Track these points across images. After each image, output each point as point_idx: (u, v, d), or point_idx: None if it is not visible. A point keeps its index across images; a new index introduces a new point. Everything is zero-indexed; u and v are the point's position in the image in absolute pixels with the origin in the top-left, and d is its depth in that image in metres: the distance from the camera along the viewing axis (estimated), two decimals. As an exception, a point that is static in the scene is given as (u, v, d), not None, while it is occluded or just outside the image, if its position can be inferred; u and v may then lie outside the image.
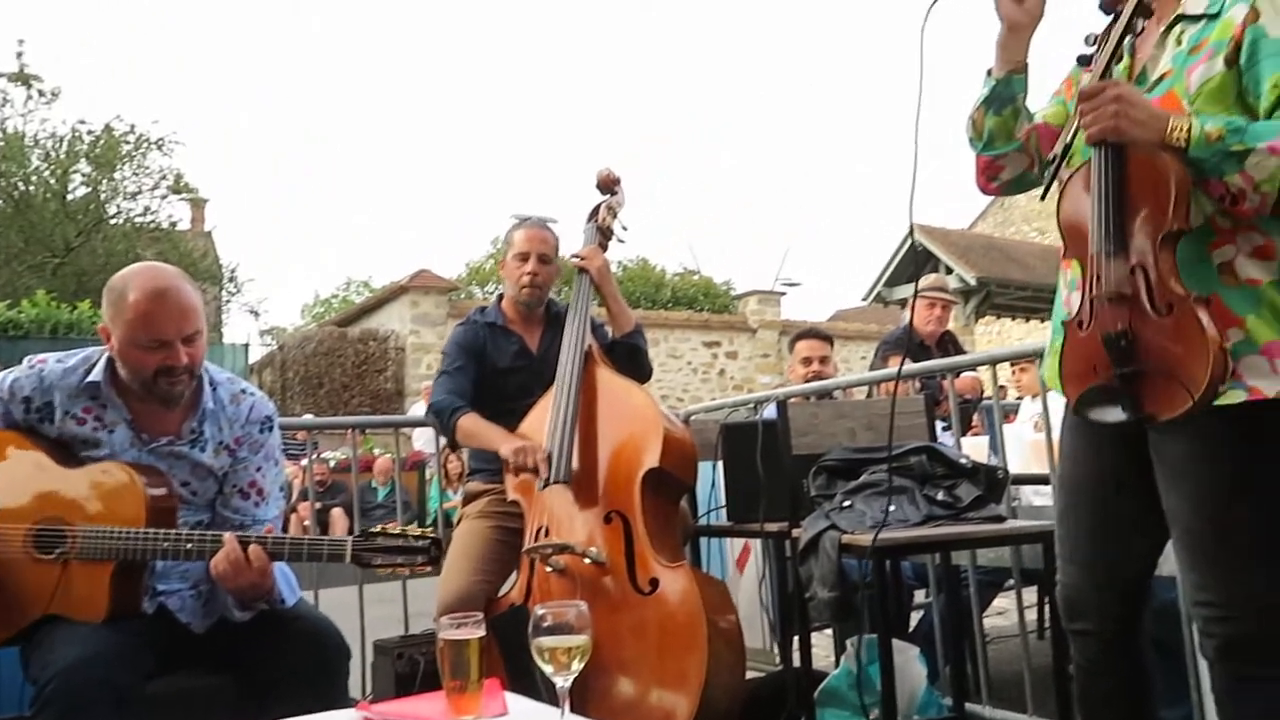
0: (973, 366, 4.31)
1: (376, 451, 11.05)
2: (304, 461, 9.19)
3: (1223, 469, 1.49)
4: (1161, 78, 1.56)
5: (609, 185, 3.10)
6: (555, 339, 2.90)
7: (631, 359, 2.98)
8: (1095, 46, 1.58)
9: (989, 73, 1.74)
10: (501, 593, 2.71)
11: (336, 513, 9.58)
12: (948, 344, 5.28)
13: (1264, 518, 1.50)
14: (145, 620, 2.01)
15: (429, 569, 2.03)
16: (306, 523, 7.64)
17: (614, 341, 2.99)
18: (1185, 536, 1.57)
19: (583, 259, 2.96)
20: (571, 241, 3.12)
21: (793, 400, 3.47)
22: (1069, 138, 1.57)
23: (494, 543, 2.75)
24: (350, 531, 2.04)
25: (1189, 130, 1.43)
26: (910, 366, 4.05)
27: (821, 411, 2.80)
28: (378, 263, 43.31)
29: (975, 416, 5.25)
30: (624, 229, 3.09)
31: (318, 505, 9.76)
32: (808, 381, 4.18)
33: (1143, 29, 1.65)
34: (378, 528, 1.99)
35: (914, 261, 17.07)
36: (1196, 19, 1.54)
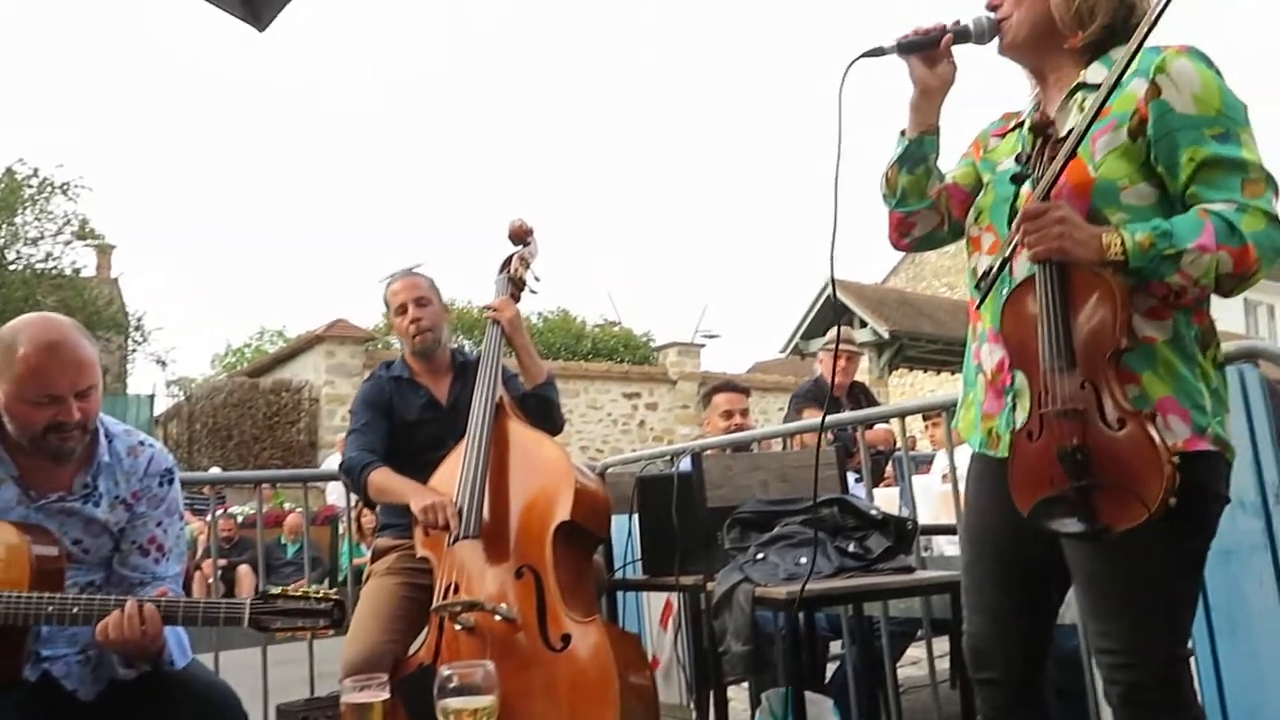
0: (885, 419, 4.39)
1: (287, 506, 10.73)
2: (209, 517, 8.94)
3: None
4: (1069, 135, 1.60)
5: (521, 236, 3.10)
6: (465, 388, 2.88)
7: (543, 411, 2.97)
8: (1028, 164, 1.62)
9: (902, 133, 1.81)
10: (410, 652, 2.64)
11: (243, 570, 9.25)
12: (859, 395, 5.38)
13: (1165, 565, 1.54)
14: (27, 690, 1.90)
15: (331, 631, 1.97)
16: (210, 581, 7.37)
17: (526, 393, 2.98)
18: (1088, 586, 1.60)
19: (494, 310, 2.95)
20: (482, 292, 3.12)
21: (709, 452, 3.49)
22: (1007, 252, 1.61)
23: (402, 600, 2.69)
24: (257, 589, 1.97)
25: (1123, 244, 1.48)
26: (819, 420, 4.11)
27: (736, 464, 2.82)
28: (293, 312, 42.57)
29: (888, 468, 5.35)
30: (537, 280, 3.10)
31: (223, 562, 9.45)
32: (728, 433, 4.21)
33: (1040, 105, 1.73)
34: (278, 589, 1.93)
35: (831, 314, 17.44)
36: (1095, 88, 1.60)
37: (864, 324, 17.27)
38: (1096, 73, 1.62)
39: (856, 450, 3.47)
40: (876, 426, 4.92)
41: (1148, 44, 1.58)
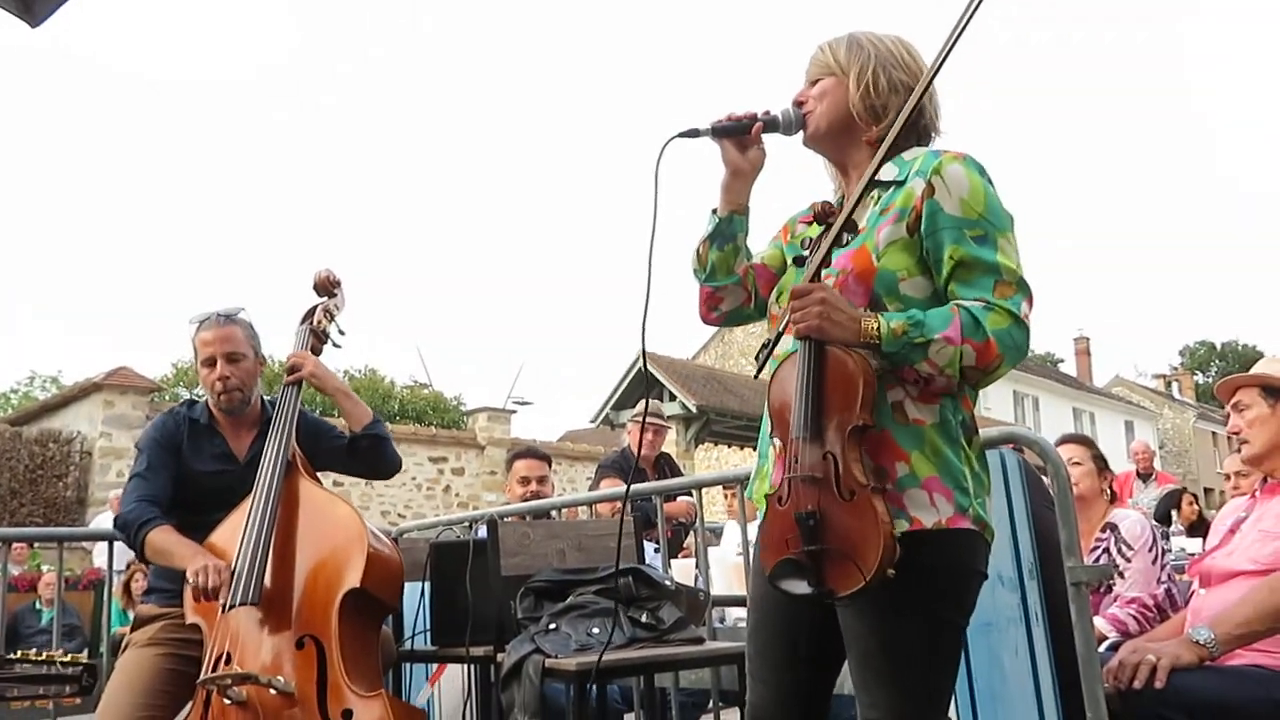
0: (685, 490, 4.47)
1: (45, 569, 9.75)
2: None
3: (889, 592, 1.58)
4: (858, 232, 1.73)
5: (327, 287, 2.99)
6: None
7: (377, 450, 2.86)
8: (809, 250, 1.75)
9: (714, 210, 1.90)
10: (171, 729, 2.43)
11: (-14, 639, 8.29)
12: (664, 466, 5.48)
13: (927, 637, 1.63)
14: None
15: (78, 700, 1.79)
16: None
17: (355, 435, 2.85)
18: (857, 657, 1.67)
19: (292, 367, 2.81)
20: (283, 344, 2.97)
21: (508, 519, 3.44)
22: (780, 327, 1.72)
23: (163, 672, 2.48)
24: (-2, 661, 1.76)
25: (879, 329, 1.58)
26: (622, 488, 4.14)
27: (533, 531, 2.79)
28: (71, 359, 39.19)
29: (688, 539, 5.44)
30: (341, 334, 2.98)
31: (-37, 631, 8.45)
32: (525, 500, 4.17)
33: (843, 197, 1.86)
34: (17, 653, 1.74)
35: (642, 386, 17.71)
36: (886, 185, 1.73)
37: (673, 397, 17.68)
38: (888, 170, 1.74)
39: (656, 520, 3.51)
40: (679, 498, 5.01)
41: (932, 146, 1.77)
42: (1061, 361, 44.85)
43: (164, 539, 2.57)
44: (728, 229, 1.88)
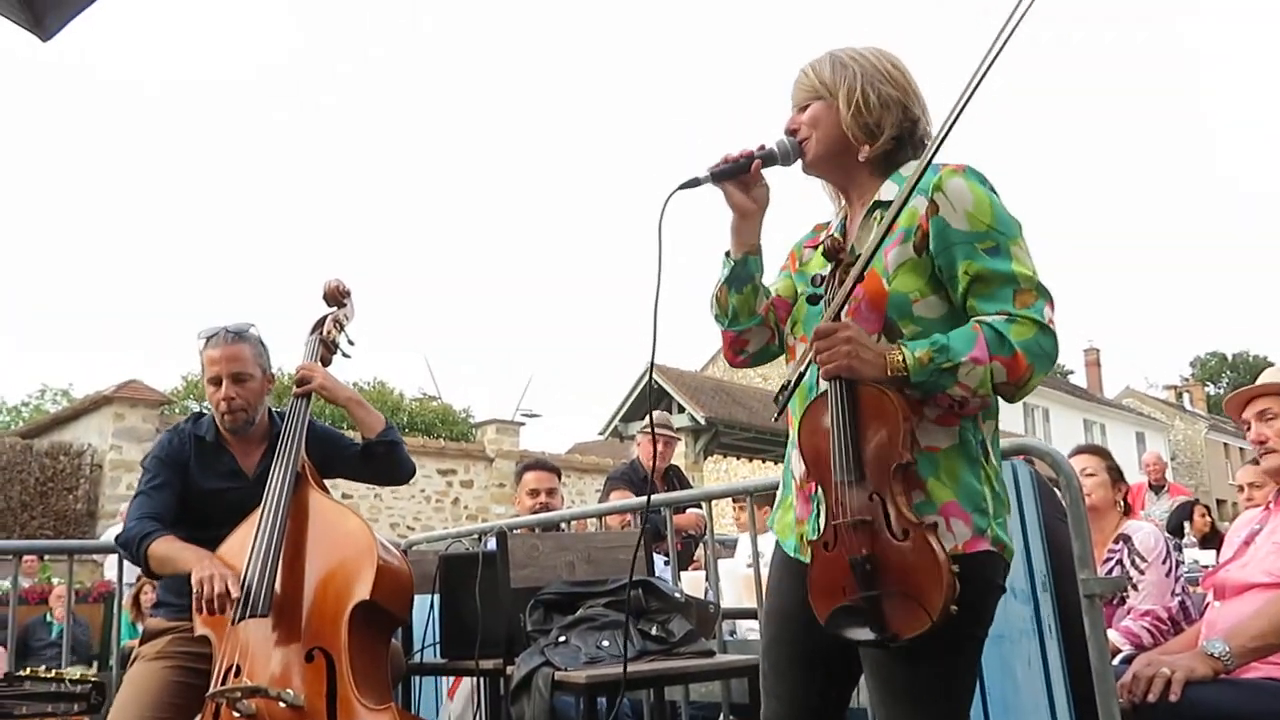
0: (694, 502, 4.46)
1: (55, 581, 9.77)
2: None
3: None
4: (858, 256, 1.69)
5: (337, 297, 2.99)
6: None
7: (391, 457, 2.86)
8: (823, 286, 1.72)
9: (727, 254, 1.85)
10: (180, 742, 2.42)
11: (-4, 652, 8.31)
12: (673, 478, 5.46)
13: (951, 655, 1.62)
14: None
15: (86, 718, 1.78)
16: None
17: (369, 443, 2.85)
18: (879, 680, 1.66)
19: (302, 379, 2.81)
20: (293, 354, 2.96)
21: (517, 531, 3.43)
22: (802, 368, 1.69)
23: (171, 685, 2.47)
24: (6, 674, 1.75)
25: (904, 360, 1.56)
26: (633, 500, 4.14)
27: (543, 544, 2.78)
28: (82, 372, 39.36)
29: (697, 551, 5.42)
30: (351, 344, 2.99)
31: (-27, 644, 8.47)
32: (535, 512, 4.16)
33: (846, 220, 1.84)
34: (27, 670, 1.74)
35: (650, 399, 17.72)
36: (888, 205, 1.69)
37: (682, 409, 17.66)
38: (889, 190, 1.72)
39: (667, 533, 3.50)
40: (688, 510, 5.00)
41: (935, 165, 1.71)
42: (1072, 373, 44.69)
43: (166, 548, 2.56)
44: (744, 271, 1.84)
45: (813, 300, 1.73)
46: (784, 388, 1.74)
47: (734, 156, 1.79)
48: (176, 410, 14.82)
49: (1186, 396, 44.05)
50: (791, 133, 1.79)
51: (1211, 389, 49.70)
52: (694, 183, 1.76)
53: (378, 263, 55.69)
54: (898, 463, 1.56)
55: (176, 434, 2.82)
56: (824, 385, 1.65)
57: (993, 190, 1.67)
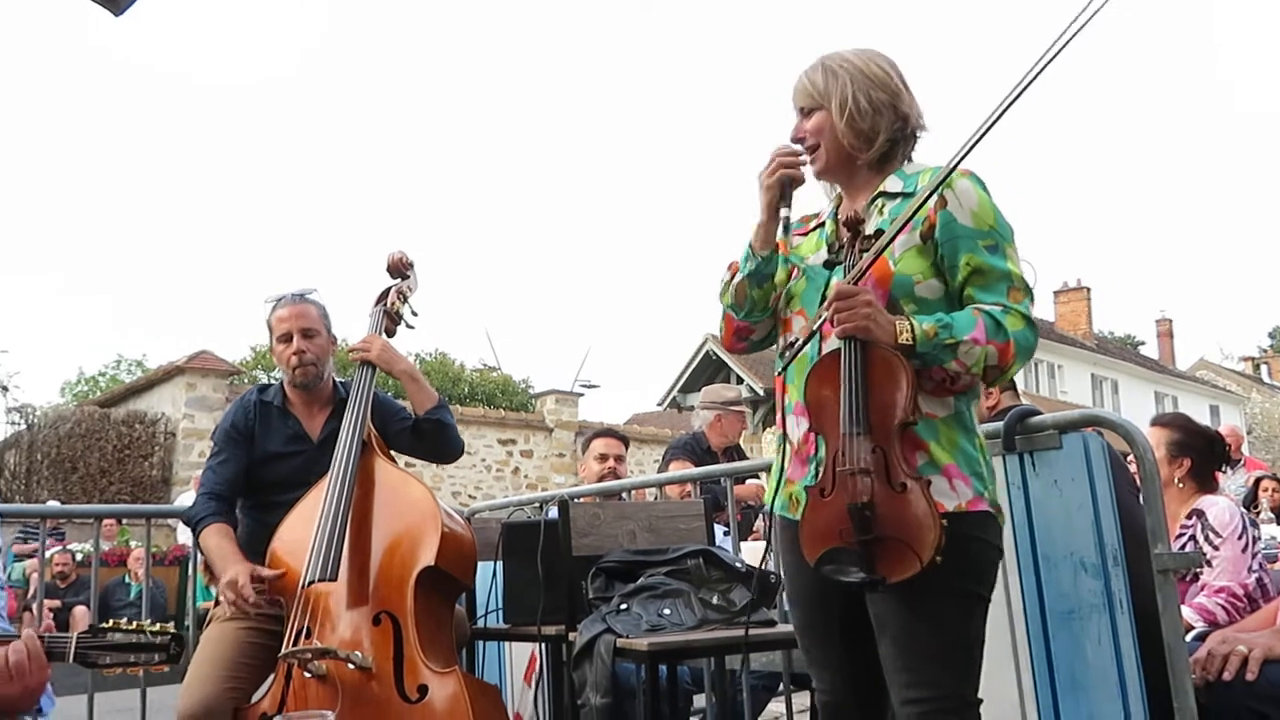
0: (754, 472, 4.45)
1: (133, 544, 10.12)
2: (50, 552, 8.29)
3: (925, 574, 1.65)
4: (879, 233, 1.80)
5: (400, 269, 3.03)
6: (340, 424, 2.74)
7: (440, 435, 2.90)
8: (840, 253, 1.82)
9: (751, 248, 1.93)
10: (254, 700, 2.50)
11: (79, 611, 8.66)
12: (731, 451, 5.44)
13: (964, 613, 1.74)
14: None
15: (166, 668, 1.84)
16: (42, 624, 6.86)
17: (419, 419, 2.90)
18: (894, 638, 1.73)
19: (360, 351, 2.85)
20: (358, 325, 3.01)
21: (579, 500, 3.46)
22: (815, 326, 1.80)
23: (246, 645, 2.55)
24: (91, 628, 1.83)
25: (912, 331, 1.70)
26: (693, 470, 4.14)
27: (604, 512, 2.80)
28: (155, 342, 40.45)
29: (758, 522, 5.41)
30: (414, 315, 3.02)
31: (59, 603, 8.82)
32: (603, 478, 4.19)
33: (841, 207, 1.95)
34: (109, 622, 1.80)
35: (709, 369, 17.69)
36: (894, 196, 1.85)
37: (740, 380, 17.60)
38: (894, 183, 1.87)
39: (727, 504, 3.50)
40: (748, 481, 4.98)
41: (937, 166, 1.83)
42: (1143, 344, 43.53)
43: (211, 542, 2.67)
44: (767, 268, 1.92)
45: (828, 265, 1.84)
46: (789, 345, 1.87)
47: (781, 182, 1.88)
48: (245, 380, 15.18)
49: (1265, 368, 42.66)
50: (799, 140, 1.91)
51: (1291, 361, 48.02)
52: (788, 225, 1.89)
53: (440, 236, 56.26)
54: (902, 420, 1.70)
55: (241, 404, 2.91)
56: (829, 347, 1.77)
57: (991, 196, 1.81)
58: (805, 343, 1.82)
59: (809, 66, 1.92)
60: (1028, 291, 1.78)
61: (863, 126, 1.85)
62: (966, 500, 1.73)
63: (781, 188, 1.88)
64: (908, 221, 1.75)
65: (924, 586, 1.65)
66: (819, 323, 1.78)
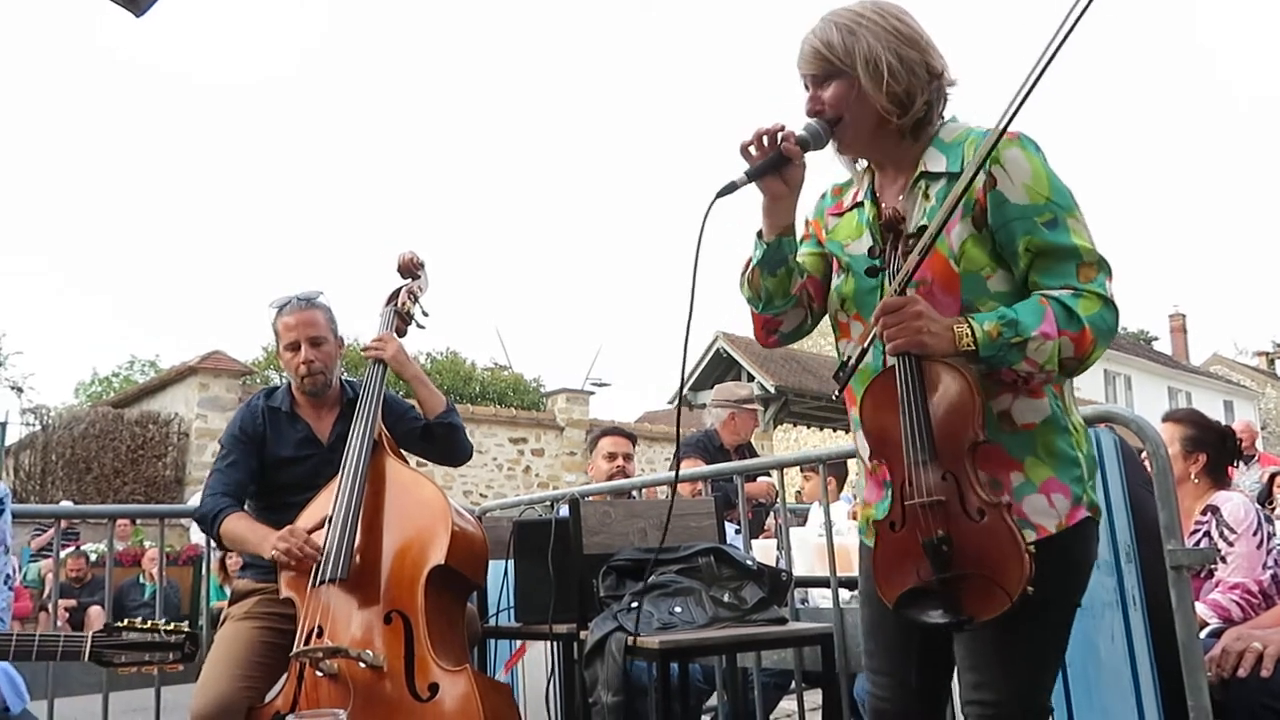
0: (764, 470, 4.44)
1: (147, 544, 10.17)
2: (64, 553, 8.34)
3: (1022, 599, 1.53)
4: (922, 230, 1.61)
5: (411, 269, 3.03)
6: (350, 426, 2.75)
7: (450, 439, 2.90)
8: (881, 258, 1.65)
9: (759, 235, 1.77)
10: (268, 699, 2.51)
11: (94, 611, 8.72)
12: (743, 449, 5.44)
13: (1043, 631, 1.60)
14: None
15: (180, 667, 1.85)
16: (60, 624, 6.89)
17: (429, 423, 2.90)
18: (973, 639, 1.62)
19: (374, 348, 2.85)
20: (366, 325, 3.02)
21: (590, 498, 3.46)
22: (866, 344, 1.62)
23: (259, 645, 2.56)
24: (106, 627, 1.84)
25: (973, 334, 1.51)
26: (704, 469, 4.13)
27: (614, 511, 2.80)
28: (167, 342, 40.62)
29: (768, 519, 5.40)
30: (425, 315, 3.03)
31: (74, 603, 8.88)
32: (611, 477, 4.19)
33: (875, 188, 1.75)
34: (125, 621, 1.82)
35: (719, 368, 17.67)
36: (938, 176, 1.64)
37: (751, 378, 17.58)
38: (935, 160, 1.65)
39: (738, 502, 3.50)
40: (758, 479, 4.98)
41: (981, 129, 1.64)
42: (1156, 339, 43.28)
43: (235, 527, 2.65)
44: (777, 254, 1.76)
45: (871, 272, 1.66)
46: (843, 366, 1.68)
47: (763, 147, 1.68)
48: (257, 380, 15.24)
49: (1279, 363, 42.38)
50: (816, 113, 1.68)
51: (1306, 355, 47.67)
52: (731, 188, 1.68)
53: (451, 235, 56.33)
54: (973, 441, 1.52)
55: (249, 409, 2.89)
56: (891, 362, 1.60)
57: (1045, 158, 1.60)
58: (861, 356, 1.64)
59: (816, 27, 1.68)
60: (1101, 265, 1.56)
61: (897, 90, 1.61)
62: (1065, 514, 1.58)
63: (771, 173, 1.68)
64: (951, 212, 1.55)
65: (1014, 608, 1.49)
66: (869, 340, 1.61)
